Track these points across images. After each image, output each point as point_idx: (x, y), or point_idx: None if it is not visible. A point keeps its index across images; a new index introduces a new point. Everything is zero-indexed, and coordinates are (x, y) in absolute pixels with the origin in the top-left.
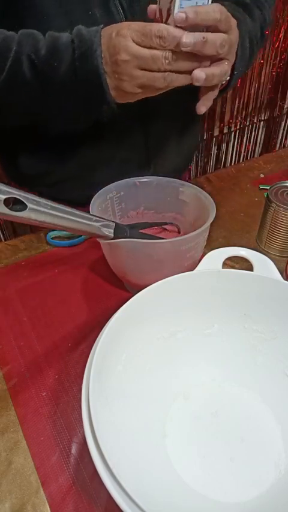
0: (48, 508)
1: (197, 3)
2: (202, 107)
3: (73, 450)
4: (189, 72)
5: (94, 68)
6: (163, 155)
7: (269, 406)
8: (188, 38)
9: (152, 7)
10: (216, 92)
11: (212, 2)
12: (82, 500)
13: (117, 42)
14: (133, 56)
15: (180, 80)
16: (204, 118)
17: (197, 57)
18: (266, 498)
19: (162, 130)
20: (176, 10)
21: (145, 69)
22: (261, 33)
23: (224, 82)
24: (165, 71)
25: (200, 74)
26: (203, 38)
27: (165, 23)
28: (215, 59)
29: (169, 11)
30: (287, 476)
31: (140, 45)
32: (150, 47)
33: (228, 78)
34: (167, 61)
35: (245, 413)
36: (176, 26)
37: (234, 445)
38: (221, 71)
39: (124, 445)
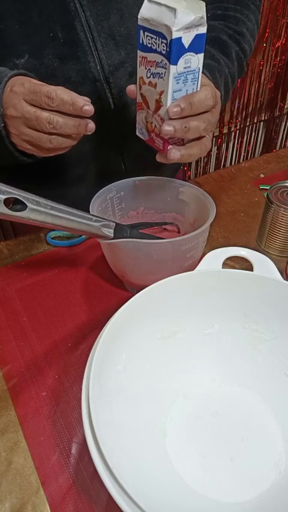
0: (48, 508)
1: (187, 91)
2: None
3: (73, 450)
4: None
5: None
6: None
7: (269, 406)
8: (169, 126)
9: (131, 88)
10: None
11: (200, 85)
12: (82, 500)
13: (8, 98)
14: (21, 113)
15: (69, 143)
16: None
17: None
18: (266, 498)
19: (139, 150)
20: (168, 102)
21: (32, 128)
22: (239, 70)
23: None
24: (50, 134)
25: (174, 154)
26: (185, 127)
27: (155, 112)
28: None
29: (159, 102)
30: (287, 476)
31: (29, 103)
32: (40, 106)
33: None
34: (51, 125)
35: (245, 413)
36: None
37: (234, 445)
38: (200, 149)
39: (124, 445)
